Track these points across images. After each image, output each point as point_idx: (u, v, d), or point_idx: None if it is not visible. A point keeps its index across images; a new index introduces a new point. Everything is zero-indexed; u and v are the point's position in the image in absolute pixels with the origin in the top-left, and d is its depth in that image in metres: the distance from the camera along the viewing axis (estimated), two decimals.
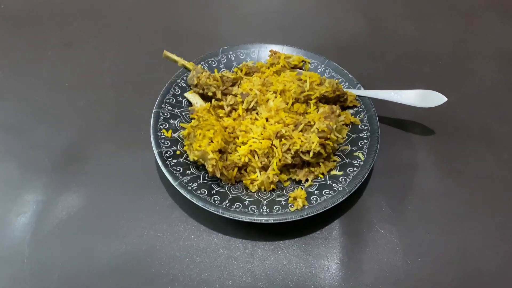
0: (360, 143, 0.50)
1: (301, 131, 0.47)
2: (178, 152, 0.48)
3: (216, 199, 0.44)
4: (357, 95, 0.54)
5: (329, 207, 0.44)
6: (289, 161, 0.47)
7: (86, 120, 0.56)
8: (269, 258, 0.44)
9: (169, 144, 0.49)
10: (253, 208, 0.44)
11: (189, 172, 0.47)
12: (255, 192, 0.47)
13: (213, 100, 0.53)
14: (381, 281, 0.43)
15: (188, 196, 0.44)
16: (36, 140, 0.54)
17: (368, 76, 0.59)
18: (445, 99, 0.51)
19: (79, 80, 0.61)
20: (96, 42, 0.67)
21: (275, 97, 0.51)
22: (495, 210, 0.48)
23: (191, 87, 0.54)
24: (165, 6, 0.74)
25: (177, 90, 0.54)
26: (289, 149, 0.46)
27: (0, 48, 0.66)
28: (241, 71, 0.56)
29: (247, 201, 0.45)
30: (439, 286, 0.43)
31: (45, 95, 0.59)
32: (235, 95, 0.52)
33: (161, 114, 0.51)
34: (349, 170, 0.47)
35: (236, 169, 0.47)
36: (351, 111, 0.54)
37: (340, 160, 0.49)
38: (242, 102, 0.51)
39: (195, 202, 0.44)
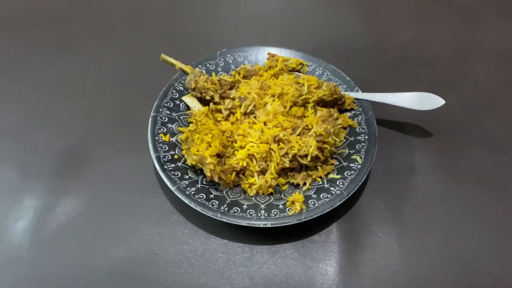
0: (358, 146, 0.49)
1: (299, 134, 0.47)
2: (176, 157, 0.48)
3: (214, 203, 0.44)
4: (355, 98, 0.54)
5: (327, 210, 0.44)
6: (287, 165, 0.47)
7: (85, 124, 0.56)
8: (267, 262, 0.44)
9: (167, 148, 0.49)
10: (251, 212, 0.44)
11: (187, 176, 0.47)
12: (253, 196, 0.47)
13: (211, 103, 0.53)
14: (379, 285, 0.43)
15: (186, 201, 0.44)
16: (34, 144, 0.54)
17: (366, 78, 0.59)
18: (443, 102, 0.51)
19: (77, 84, 0.61)
20: (94, 45, 0.66)
21: (273, 100, 0.50)
22: (495, 212, 0.48)
23: (189, 90, 0.54)
24: (163, 9, 0.73)
25: (175, 94, 0.54)
26: (287, 153, 0.46)
27: None
28: (239, 74, 0.56)
29: (245, 205, 0.45)
30: None
31: (43, 99, 0.59)
32: (233, 99, 0.52)
33: (158, 118, 0.51)
34: (347, 174, 0.47)
35: (234, 173, 0.47)
36: (348, 114, 0.54)
37: (338, 163, 0.49)
38: (240, 106, 0.51)
39: (193, 206, 0.44)
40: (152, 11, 0.73)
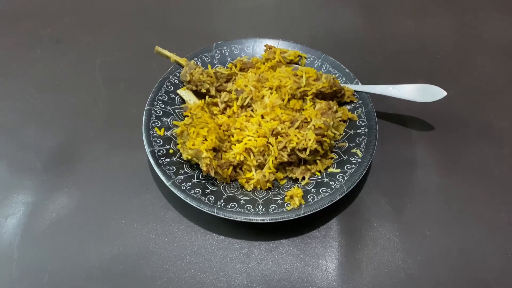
0: (358, 140, 0.49)
1: (297, 128, 0.46)
2: (171, 151, 0.47)
3: (210, 198, 0.43)
4: (355, 90, 0.53)
5: (326, 205, 0.43)
6: (285, 159, 0.46)
7: (77, 119, 0.55)
8: (265, 259, 0.43)
9: (161, 142, 0.48)
10: (248, 208, 0.43)
11: (182, 171, 0.46)
12: (250, 191, 0.46)
13: (207, 97, 0.52)
14: (381, 281, 0.42)
15: (182, 196, 0.43)
16: (25, 139, 0.53)
17: (365, 70, 0.58)
18: (445, 93, 0.50)
19: (69, 78, 0.60)
20: (87, 38, 0.65)
21: (271, 93, 0.50)
22: (498, 207, 0.47)
23: (184, 83, 0.53)
24: (158, 1, 0.72)
25: (169, 87, 0.53)
26: (285, 147, 0.46)
27: None
28: (236, 66, 0.55)
29: (242, 201, 0.44)
30: (440, 286, 0.42)
31: (34, 94, 0.58)
32: (230, 92, 0.51)
33: (153, 112, 0.50)
34: (346, 167, 0.46)
35: (231, 168, 0.46)
36: (348, 106, 0.53)
37: (337, 157, 0.48)
38: (237, 99, 0.50)
39: (189, 202, 0.43)
40: (147, 3, 0.72)
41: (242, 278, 0.42)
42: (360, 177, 0.45)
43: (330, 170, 0.47)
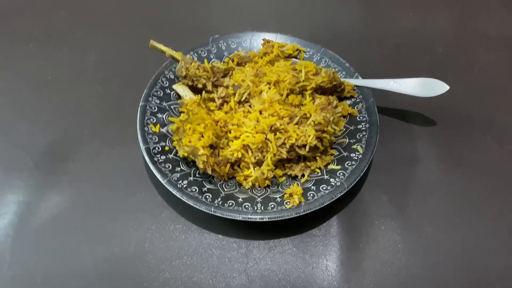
0: (359, 136, 0.48)
1: (296, 124, 0.45)
2: (167, 148, 0.46)
3: (207, 197, 0.42)
4: (355, 85, 0.52)
5: (326, 203, 0.42)
6: (284, 155, 0.45)
7: (70, 116, 0.54)
8: (264, 258, 0.43)
9: (157, 139, 0.46)
10: (247, 206, 0.42)
11: (178, 169, 0.45)
12: (249, 189, 0.45)
13: (203, 92, 0.51)
14: (383, 281, 0.41)
15: (178, 195, 0.42)
16: (17, 137, 0.51)
17: (366, 64, 0.57)
18: (447, 87, 0.50)
19: (62, 74, 0.58)
20: (80, 33, 0.64)
21: (269, 88, 0.49)
22: (502, 203, 0.47)
23: (179, 78, 0.52)
24: None
25: (165, 82, 0.52)
26: (284, 143, 0.45)
27: None
28: (233, 61, 0.54)
29: (240, 199, 0.43)
30: (444, 286, 0.41)
31: (26, 90, 0.56)
32: (227, 87, 0.50)
33: (148, 108, 0.49)
34: (347, 164, 0.45)
35: (228, 165, 0.45)
36: (348, 102, 0.52)
37: (337, 153, 0.47)
38: (234, 94, 0.49)
39: (185, 200, 0.42)
40: None
41: (241, 278, 0.41)
42: (361, 174, 0.44)
43: (330, 167, 0.46)
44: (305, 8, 0.70)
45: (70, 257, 0.42)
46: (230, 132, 0.46)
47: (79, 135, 0.52)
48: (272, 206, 0.42)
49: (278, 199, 0.43)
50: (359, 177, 0.43)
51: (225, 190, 0.44)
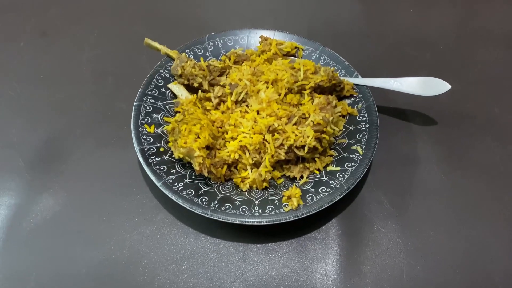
0: (358, 136, 0.47)
1: (295, 124, 0.45)
2: (162, 149, 0.45)
3: (204, 200, 0.41)
4: (355, 84, 0.51)
5: (326, 206, 0.41)
6: (282, 157, 0.44)
7: (63, 115, 0.53)
8: (262, 262, 0.42)
9: (152, 140, 0.45)
10: (244, 209, 0.41)
11: (174, 171, 0.44)
12: (246, 191, 0.44)
13: (200, 91, 0.50)
14: (383, 285, 0.41)
15: (173, 197, 0.41)
16: (8, 137, 0.50)
17: (365, 63, 0.57)
18: (449, 86, 0.49)
19: (55, 72, 0.58)
20: (74, 30, 0.63)
21: (267, 87, 0.48)
22: (504, 204, 0.46)
23: (175, 77, 0.51)
24: None
25: (160, 81, 0.51)
26: (282, 144, 0.44)
27: None
28: (230, 59, 0.53)
29: (237, 201, 0.42)
30: None
31: (17, 88, 0.55)
32: (223, 86, 0.49)
33: (142, 107, 0.48)
34: (346, 165, 0.44)
35: (225, 167, 0.44)
36: (348, 101, 0.51)
37: (337, 154, 0.46)
38: (231, 93, 0.48)
39: (181, 203, 0.41)
40: None
41: (238, 283, 0.40)
42: (361, 175, 0.43)
43: (330, 168, 0.45)
44: (303, 4, 0.69)
45: (63, 262, 0.41)
46: (227, 133, 0.45)
47: (72, 135, 0.51)
48: (270, 209, 0.41)
49: (276, 202, 0.42)
50: (359, 179, 0.43)
51: (222, 192, 0.43)
